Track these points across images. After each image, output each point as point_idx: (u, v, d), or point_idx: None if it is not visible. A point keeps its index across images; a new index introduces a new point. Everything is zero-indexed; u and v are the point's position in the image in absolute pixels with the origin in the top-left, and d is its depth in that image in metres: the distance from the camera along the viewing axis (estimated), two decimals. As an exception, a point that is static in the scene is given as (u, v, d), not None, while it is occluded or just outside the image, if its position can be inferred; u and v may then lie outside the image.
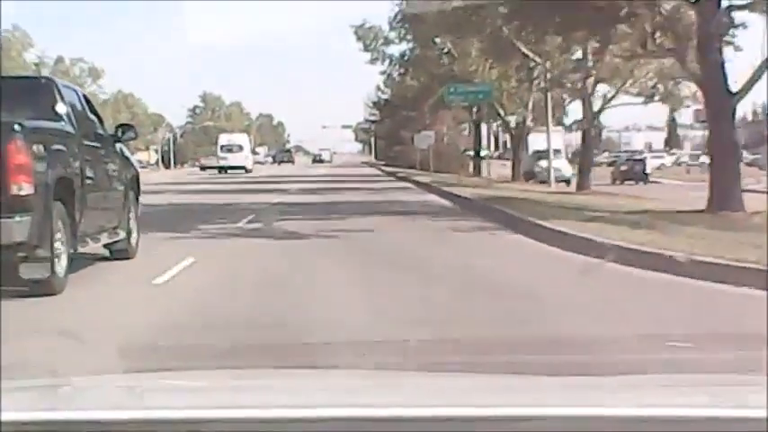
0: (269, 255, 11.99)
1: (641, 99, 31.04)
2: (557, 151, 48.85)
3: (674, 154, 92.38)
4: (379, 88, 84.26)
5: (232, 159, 61.44)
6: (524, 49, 27.37)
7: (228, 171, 58.84)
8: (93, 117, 10.87)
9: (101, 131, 10.92)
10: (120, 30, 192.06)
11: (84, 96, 11.14)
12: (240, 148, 63.35)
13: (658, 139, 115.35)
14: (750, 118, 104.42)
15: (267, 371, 4.29)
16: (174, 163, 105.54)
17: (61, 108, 9.69)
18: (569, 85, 28.55)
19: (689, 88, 28.34)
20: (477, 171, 45.97)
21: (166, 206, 20.68)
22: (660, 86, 29.83)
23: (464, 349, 5.93)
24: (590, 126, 27.29)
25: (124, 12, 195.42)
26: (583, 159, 28.50)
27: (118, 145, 11.29)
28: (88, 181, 9.65)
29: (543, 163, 40.11)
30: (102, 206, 10.18)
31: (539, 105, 36.61)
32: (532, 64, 33.99)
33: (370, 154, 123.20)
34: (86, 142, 9.92)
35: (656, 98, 30.80)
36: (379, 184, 35.33)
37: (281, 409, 1.95)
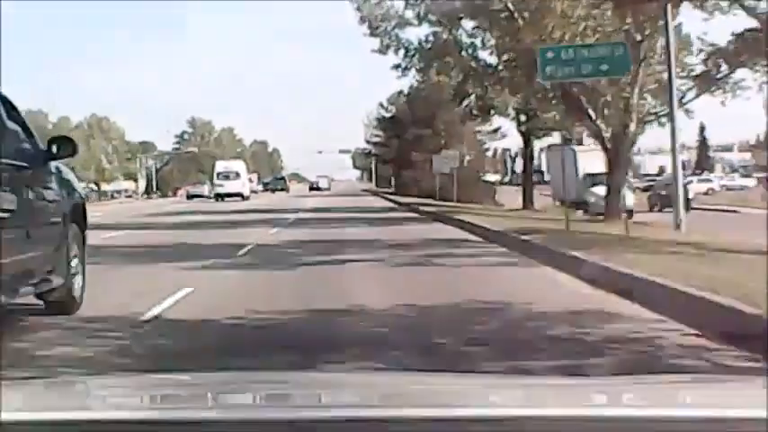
0: None
1: None
2: (606, 174, 37.19)
3: (709, 180, 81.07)
4: (382, 105, 73.46)
5: (229, 186, 61.08)
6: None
7: (225, 198, 58.23)
8: (14, 127, 8.75)
9: (27, 146, 8.87)
10: (102, 45, 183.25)
11: (5, 100, 8.69)
12: (237, 175, 62.92)
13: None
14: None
15: (267, 372, 4.26)
16: (158, 191, 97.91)
17: None
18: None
19: None
20: (530, 202, 33.71)
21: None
22: None
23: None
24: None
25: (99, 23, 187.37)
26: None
27: (54, 165, 9.23)
28: (1, 213, 7.80)
29: (597, 190, 28.68)
30: (24, 246, 8.16)
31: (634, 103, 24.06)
32: (639, 37, 21.85)
33: (369, 181, 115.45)
34: (1, 161, 8.01)
35: None
36: (406, 229, 22.09)
37: (281, 410, 1.93)
